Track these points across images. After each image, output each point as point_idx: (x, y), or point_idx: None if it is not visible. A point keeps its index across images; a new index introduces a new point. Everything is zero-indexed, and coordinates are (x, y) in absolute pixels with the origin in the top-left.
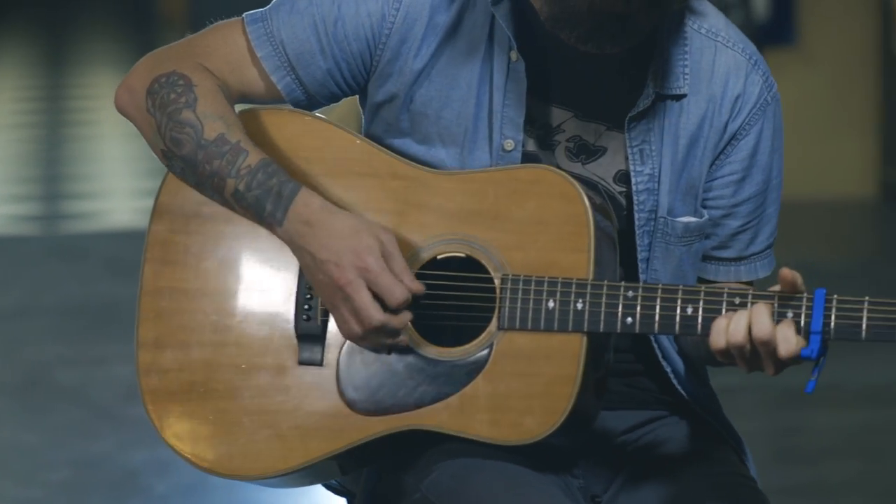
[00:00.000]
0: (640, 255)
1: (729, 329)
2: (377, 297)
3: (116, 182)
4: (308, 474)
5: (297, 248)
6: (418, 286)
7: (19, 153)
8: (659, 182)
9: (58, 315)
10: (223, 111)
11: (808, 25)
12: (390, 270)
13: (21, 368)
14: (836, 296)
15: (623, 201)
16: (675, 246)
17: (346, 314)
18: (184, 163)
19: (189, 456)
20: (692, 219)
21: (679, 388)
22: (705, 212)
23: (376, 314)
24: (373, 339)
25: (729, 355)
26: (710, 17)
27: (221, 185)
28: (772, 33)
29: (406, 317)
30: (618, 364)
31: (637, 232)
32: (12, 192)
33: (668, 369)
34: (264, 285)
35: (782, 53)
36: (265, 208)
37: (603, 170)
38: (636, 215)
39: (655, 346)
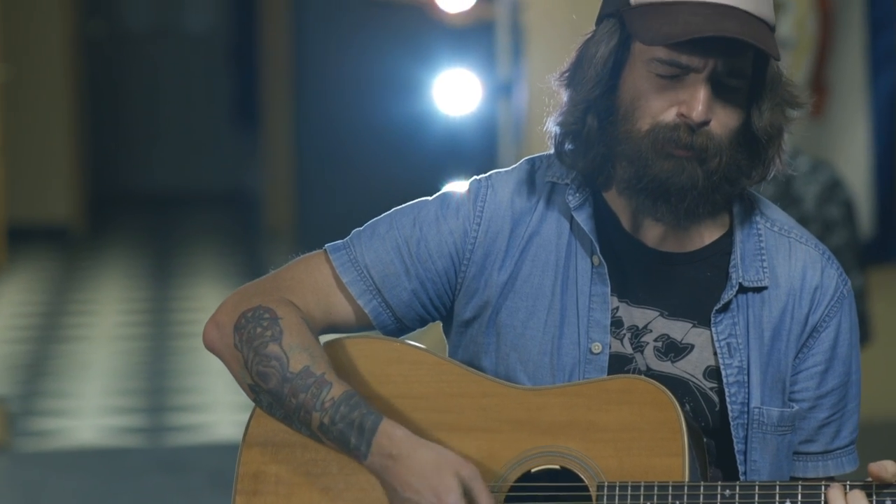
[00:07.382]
0: (738, 448)
1: None
2: None
3: (220, 395)
4: None
5: (383, 481)
6: None
7: (124, 365)
8: (749, 374)
9: None
10: (308, 343)
11: None
12: None
13: None
14: None
15: (715, 397)
16: (772, 436)
17: None
18: (271, 396)
19: None
20: (784, 409)
21: None
22: (794, 404)
23: None
24: None
25: None
26: (778, 216)
27: (308, 419)
28: (877, 251)
29: None
30: None
31: (732, 424)
32: (117, 404)
33: None
34: None
35: (888, 272)
36: (350, 442)
37: (692, 367)
38: (729, 408)
39: None
